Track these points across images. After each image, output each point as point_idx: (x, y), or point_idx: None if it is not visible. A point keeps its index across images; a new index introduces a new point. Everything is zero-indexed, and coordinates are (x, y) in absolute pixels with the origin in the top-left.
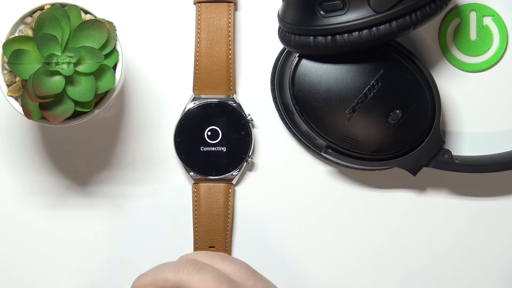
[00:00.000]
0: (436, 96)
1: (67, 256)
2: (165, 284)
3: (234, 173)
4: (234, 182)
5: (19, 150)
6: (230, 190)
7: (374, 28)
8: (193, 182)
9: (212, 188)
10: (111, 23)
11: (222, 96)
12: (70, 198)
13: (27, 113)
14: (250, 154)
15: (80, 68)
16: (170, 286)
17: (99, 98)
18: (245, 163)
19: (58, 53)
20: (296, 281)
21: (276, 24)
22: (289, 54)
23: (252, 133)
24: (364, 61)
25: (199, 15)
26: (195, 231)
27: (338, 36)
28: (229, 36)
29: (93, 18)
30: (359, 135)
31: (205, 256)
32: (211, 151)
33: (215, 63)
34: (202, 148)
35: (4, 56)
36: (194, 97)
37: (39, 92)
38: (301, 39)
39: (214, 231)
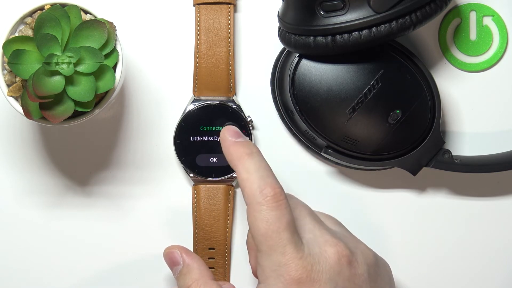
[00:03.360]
0: (436, 96)
1: (67, 256)
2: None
3: (234, 175)
4: (234, 183)
5: (19, 150)
6: (230, 192)
7: (374, 28)
8: (193, 183)
9: (212, 189)
10: (111, 23)
11: (222, 98)
12: (70, 198)
13: (27, 113)
14: None
15: (80, 68)
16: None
17: (99, 98)
18: None
19: (58, 53)
20: None
21: (275, 25)
22: (289, 54)
23: (252, 134)
24: (364, 61)
25: (198, 17)
26: (195, 233)
27: (338, 36)
28: (229, 38)
29: (93, 18)
30: (359, 135)
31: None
32: (211, 152)
33: (215, 64)
34: (202, 150)
35: (4, 56)
36: (194, 99)
37: (39, 92)
38: (301, 39)
39: (214, 232)
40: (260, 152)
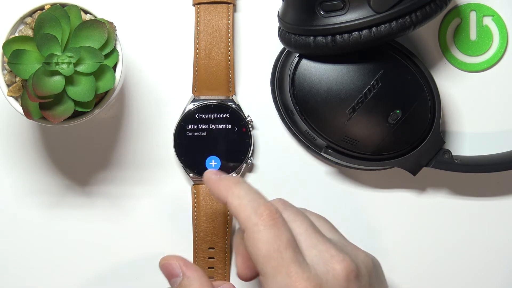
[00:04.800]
0: (436, 96)
1: (67, 256)
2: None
3: (233, 175)
4: None
5: (19, 150)
6: None
7: (374, 28)
8: (193, 183)
9: None
10: (111, 23)
11: (222, 97)
12: (70, 198)
13: (27, 113)
14: (249, 155)
15: (80, 68)
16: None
17: (99, 98)
18: (244, 165)
19: (58, 53)
20: None
21: (275, 24)
22: (289, 54)
23: (252, 134)
24: (364, 61)
25: (198, 17)
26: (194, 232)
27: (338, 36)
28: (228, 37)
29: (93, 18)
30: (359, 135)
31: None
32: (210, 152)
33: (214, 64)
34: (202, 150)
35: (4, 56)
36: (194, 98)
37: (39, 92)
38: (301, 39)
39: (213, 232)
40: (246, 181)
